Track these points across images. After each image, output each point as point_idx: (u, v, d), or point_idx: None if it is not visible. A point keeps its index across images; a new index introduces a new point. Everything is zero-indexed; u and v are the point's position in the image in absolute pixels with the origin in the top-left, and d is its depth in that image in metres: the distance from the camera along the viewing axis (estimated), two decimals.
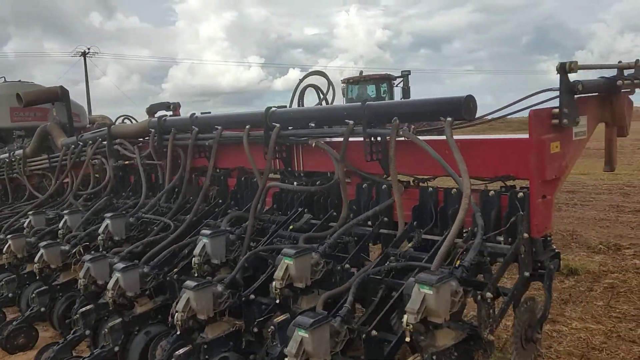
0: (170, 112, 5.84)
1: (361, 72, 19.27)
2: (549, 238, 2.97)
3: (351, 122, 3.02)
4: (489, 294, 2.29)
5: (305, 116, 3.36)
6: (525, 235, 2.51)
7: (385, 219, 3.02)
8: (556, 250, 3.00)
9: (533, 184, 2.54)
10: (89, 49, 44.70)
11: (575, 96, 2.72)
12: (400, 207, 2.88)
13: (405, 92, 18.70)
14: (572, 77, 2.57)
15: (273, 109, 3.54)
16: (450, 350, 2.28)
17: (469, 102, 2.60)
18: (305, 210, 3.45)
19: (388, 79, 18.79)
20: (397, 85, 18.98)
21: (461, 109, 2.58)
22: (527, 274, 2.54)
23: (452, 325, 2.33)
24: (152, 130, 4.46)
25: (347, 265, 2.79)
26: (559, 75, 2.53)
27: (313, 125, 3.28)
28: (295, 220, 3.38)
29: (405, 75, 18.82)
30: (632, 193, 9.45)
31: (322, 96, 4.09)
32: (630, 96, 3.08)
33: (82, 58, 43.96)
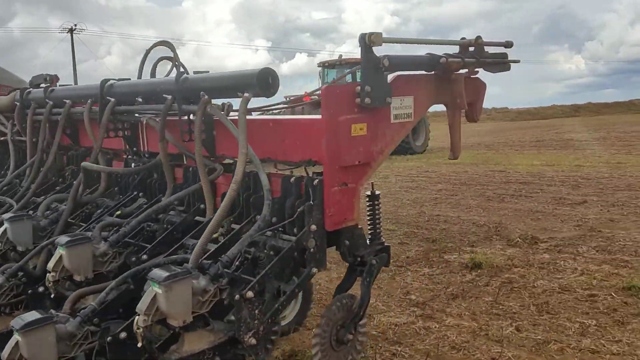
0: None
1: (340, 56, 18.88)
2: (378, 232, 2.74)
3: (169, 97, 2.74)
4: (249, 293, 2.03)
5: (132, 90, 3.07)
6: (314, 227, 2.24)
7: (203, 205, 2.76)
8: (385, 245, 2.76)
9: (327, 170, 2.26)
10: (75, 25, 44.07)
11: (394, 74, 2.46)
12: (209, 193, 2.61)
13: None
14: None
15: (111, 82, 3.25)
16: (208, 354, 2.03)
17: (265, 76, 2.31)
18: (140, 194, 3.18)
19: None
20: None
21: (255, 84, 2.29)
22: (315, 270, 2.27)
23: (213, 327, 2.08)
24: (17, 103, 4.17)
25: (145, 257, 2.53)
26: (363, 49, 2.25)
27: (141, 100, 3.00)
28: (127, 205, 3.11)
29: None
30: (583, 185, 9.21)
31: (177, 69, 3.78)
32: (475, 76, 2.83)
33: (70, 35, 43.40)
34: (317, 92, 13.28)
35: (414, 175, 11.85)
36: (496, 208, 7.60)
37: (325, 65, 18.25)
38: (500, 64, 2.83)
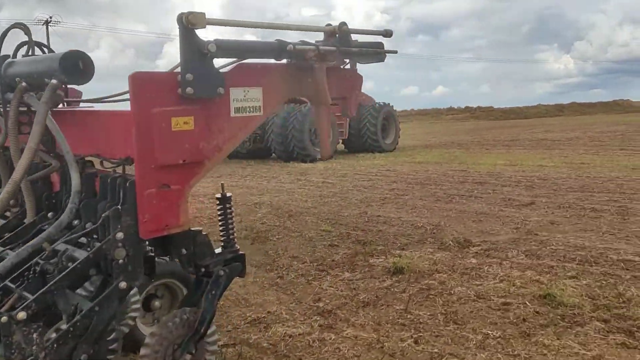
0: None
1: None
2: (231, 239, 2.46)
3: None
4: (21, 314, 1.73)
5: None
6: (121, 235, 1.95)
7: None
8: (240, 253, 2.48)
9: (139, 170, 1.97)
10: (50, 17, 43.24)
11: (238, 62, 2.18)
12: (27, 191, 2.31)
13: None
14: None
15: None
16: None
17: (73, 61, 2.01)
18: None
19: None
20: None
21: (58, 69, 1.99)
22: (123, 284, 1.98)
23: None
24: None
25: None
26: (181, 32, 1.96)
27: None
28: None
29: None
30: (538, 186, 9.03)
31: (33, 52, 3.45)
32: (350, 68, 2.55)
33: (45, 27, 42.52)
34: None
35: (372, 174, 11.61)
36: (442, 209, 7.37)
37: None
38: (371, 54, 2.57)
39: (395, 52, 2.67)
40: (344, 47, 2.39)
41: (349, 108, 2.63)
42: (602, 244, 5.26)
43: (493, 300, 4.00)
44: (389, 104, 18.53)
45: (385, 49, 2.63)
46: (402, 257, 5.04)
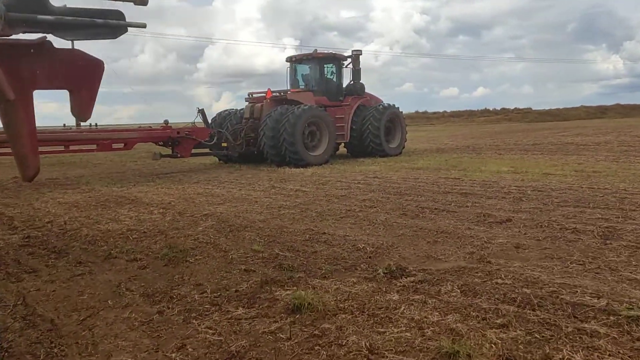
0: None
1: (315, 50, 17.76)
2: None
3: None
4: None
5: None
6: None
7: None
8: None
9: None
10: None
11: None
12: None
13: (355, 73, 17.23)
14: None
15: None
16: None
17: None
18: None
19: (336, 59, 17.30)
20: (346, 66, 17.50)
21: None
22: None
23: None
24: None
25: None
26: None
27: None
28: None
29: (357, 55, 17.32)
30: (529, 198, 7.99)
31: None
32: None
33: None
34: (282, 90, 12.29)
35: (355, 182, 10.74)
36: (402, 226, 6.47)
37: (293, 60, 17.17)
38: (91, 27, 1.75)
39: (142, 25, 1.85)
40: (15, 13, 1.60)
41: (79, 107, 1.81)
42: (562, 278, 4.28)
43: (387, 358, 3.14)
44: (394, 105, 17.56)
45: (127, 21, 1.82)
46: (311, 290, 4.21)
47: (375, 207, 7.75)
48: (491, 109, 70.64)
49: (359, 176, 11.81)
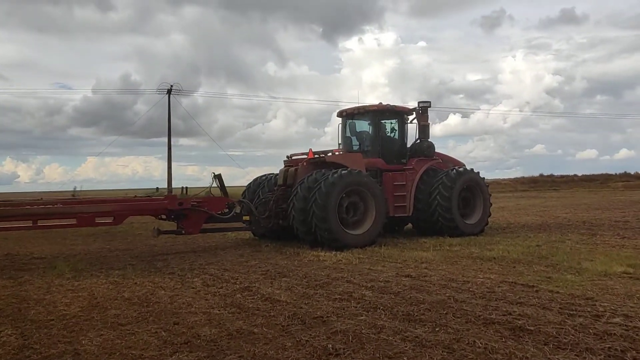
0: None
1: (380, 104, 14.79)
2: None
3: None
4: None
5: None
6: None
7: None
8: None
9: None
10: (172, 86, 45.37)
11: None
12: None
13: (422, 130, 13.86)
14: None
15: None
16: None
17: None
18: None
19: (397, 113, 14.07)
20: (411, 122, 14.24)
21: None
22: None
23: None
24: None
25: None
26: None
27: None
28: None
29: (424, 107, 13.98)
30: None
31: None
32: None
33: (167, 95, 44.86)
34: (323, 151, 8.94)
35: (369, 285, 7.27)
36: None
37: (344, 115, 14.29)
38: None
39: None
40: None
41: None
42: None
43: None
44: (472, 169, 13.79)
45: None
46: None
47: None
48: (632, 173, 60.90)
49: (390, 271, 8.30)
